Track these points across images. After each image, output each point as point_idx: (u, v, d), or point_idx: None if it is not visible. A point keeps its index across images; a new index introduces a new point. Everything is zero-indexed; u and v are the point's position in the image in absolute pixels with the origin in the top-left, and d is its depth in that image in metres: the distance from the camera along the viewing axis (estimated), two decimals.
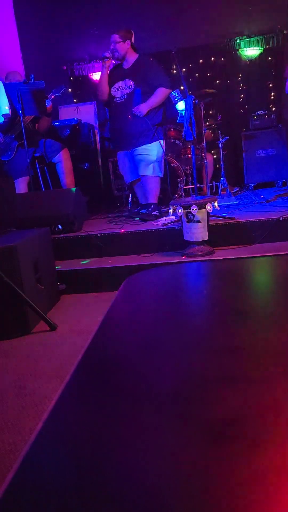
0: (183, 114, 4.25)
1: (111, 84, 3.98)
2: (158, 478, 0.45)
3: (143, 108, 3.86)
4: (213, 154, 5.45)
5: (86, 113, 5.94)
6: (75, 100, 6.13)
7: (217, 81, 5.92)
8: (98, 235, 3.48)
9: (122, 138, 3.97)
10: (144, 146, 3.95)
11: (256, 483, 0.43)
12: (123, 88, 3.94)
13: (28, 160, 3.96)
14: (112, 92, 3.95)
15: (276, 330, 0.77)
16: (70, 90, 6.04)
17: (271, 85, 5.90)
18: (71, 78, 5.99)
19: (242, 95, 6.00)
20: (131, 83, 3.93)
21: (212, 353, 0.69)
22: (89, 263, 3.34)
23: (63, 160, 4.36)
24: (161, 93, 4.01)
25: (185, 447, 0.48)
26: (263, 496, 0.41)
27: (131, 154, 3.99)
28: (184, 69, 5.57)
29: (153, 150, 3.99)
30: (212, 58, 5.90)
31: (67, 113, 5.90)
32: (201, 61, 5.90)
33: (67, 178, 4.40)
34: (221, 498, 0.42)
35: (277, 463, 0.45)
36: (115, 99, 3.92)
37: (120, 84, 3.94)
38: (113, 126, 4.00)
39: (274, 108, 5.84)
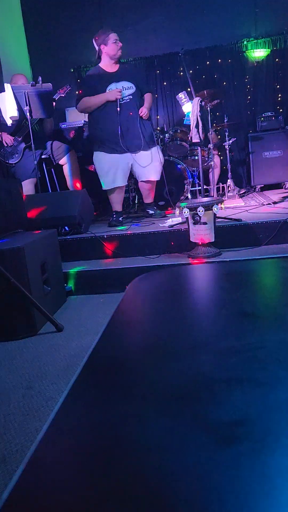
0: (190, 116, 4.26)
1: (101, 88, 3.81)
2: (163, 479, 0.45)
3: (147, 111, 3.85)
4: (220, 156, 5.43)
5: None
6: None
7: (224, 83, 5.92)
8: (105, 236, 3.49)
9: (129, 139, 3.81)
10: (153, 149, 3.93)
11: (262, 484, 0.43)
12: (126, 88, 3.83)
13: (35, 162, 3.97)
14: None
15: (283, 332, 0.77)
16: (77, 92, 6.06)
17: (278, 86, 5.89)
18: (79, 80, 6.02)
19: (249, 97, 5.98)
20: (129, 84, 3.85)
21: (219, 355, 0.69)
22: (96, 264, 3.35)
23: (70, 162, 4.38)
24: (151, 98, 3.99)
25: (191, 448, 0.49)
26: (269, 498, 0.41)
27: (128, 157, 3.87)
28: (191, 71, 5.56)
29: (159, 154, 4.00)
30: (219, 60, 5.89)
31: (74, 115, 5.92)
32: (208, 62, 5.90)
33: (74, 180, 4.42)
34: (227, 500, 0.42)
35: (283, 464, 0.45)
36: (118, 100, 3.75)
37: (116, 85, 3.80)
38: (115, 128, 3.74)
39: (281, 110, 5.82)
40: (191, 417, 0.54)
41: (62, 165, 4.41)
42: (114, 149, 3.81)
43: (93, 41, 3.89)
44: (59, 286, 2.99)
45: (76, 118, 5.77)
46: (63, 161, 4.38)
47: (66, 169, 4.42)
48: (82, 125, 5.40)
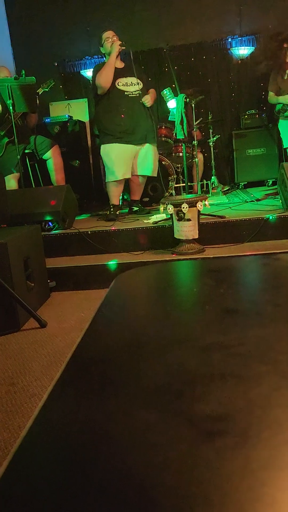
0: (174, 112, 4.27)
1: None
2: (148, 473, 0.46)
3: (150, 99, 3.91)
4: (204, 153, 5.46)
5: (77, 110, 5.92)
6: (66, 97, 6.10)
7: (209, 80, 5.94)
8: (89, 232, 3.47)
9: (136, 132, 3.88)
10: (154, 146, 4.02)
11: (244, 477, 0.44)
12: (134, 84, 3.92)
13: (19, 156, 3.93)
14: (118, 86, 3.88)
15: (264, 328, 0.78)
16: (61, 86, 6.01)
17: (262, 84, 5.94)
18: (63, 74, 5.96)
19: (233, 94, 6.03)
20: (137, 80, 3.94)
21: (202, 350, 0.70)
22: (80, 260, 3.34)
23: (54, 157, 4.34)
24: (155, 94, 4.07)
25: (175, 442, 0.49)
26: (251, 490, 0.42)
27: (133, 149, 3.91)
28: (175, 67, 5.57)
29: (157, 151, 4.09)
30: (204, 57, 5.91)
31: (58, 109, 5.87)
32: (192, 59, 5.91)
33: (58, 175, 4.38)
34: (209, 493, 0.42)
35: (264, 457, 0.46)
36: (125, 93, 3.86)
37: (125, 80, 3.90)
38: (123, 120, 3.82)
39: (264, 108, 5.87)
40: (175, 412, 0.55)
41: (46, 160, 4.37)
42: (122, 140, 3.88)
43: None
44: (43, 282, 2.97)
45: (60, 112, 5.72)
46: (47, 156, 4.34)
47: (50, 164, 4.38)
48: (66, 120, 5.36)
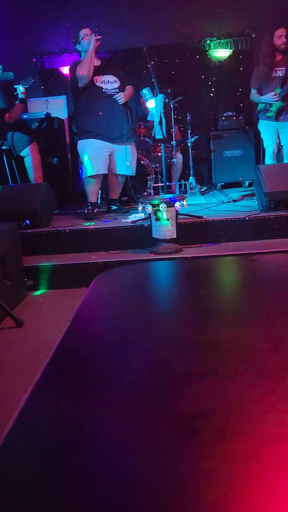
0: (153, 112, 4.28)
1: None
2: (129, 469, 0.47)
3: (124, 96, 3.90)
4: (182, 153, 5.50)
5: (55, 106, 5.86)
6: (44, 94, 6.04)
7: (188, 81, 5.98)
8: (67, 230, 3.45)
9: (113, 129, 3.87)
10: (132, 144, 4.01)
11: (221, 470, 0.46)
12: (112, 81, 3.91)
13: None
14: (97, 83, 3.87)
15: (241, 327, 0.81)
16: (39, 83, 5.93)
17: (240, 89, 6.02)
18: (41, 70, 5.89)
19: (211, 95, 6.09)
20: (115, 78, 3.93)
21: (181, 349, 0.72)
22: (57, 259, 3.32)
23: (32, 154, 4.29)
24: (132, 91, 4.07)
25: (155, 439, 0.51)
26: (229, 483, 0.44)
27: (110, 146, 3.91)
28: (155, 67, 5.58)
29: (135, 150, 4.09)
30: (183, 58, 5.95)
31: (36, 106, 5.80)
32: (172, 59, 5.94)
33: (36, 172, 4.34)
34: (188, 486, 0.44)
35: (240, 452, 0.48)
36: (103, 90, 3.85)
37: (103, 77, 3.89)
38: (101, 117, 3.82)
39: (242, 111, 5.96)
40: (155, 409, 0.56)
41: (24, 157, 4.32)
42: (99, 136, 3.86)
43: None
44: (19, 281, 2.94)
45: (38, 109, 5.65)
46: (25, 153, 4.29)
47: (28, 162, 4.32)
48: (44, 116, 5.30)
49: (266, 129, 4.38)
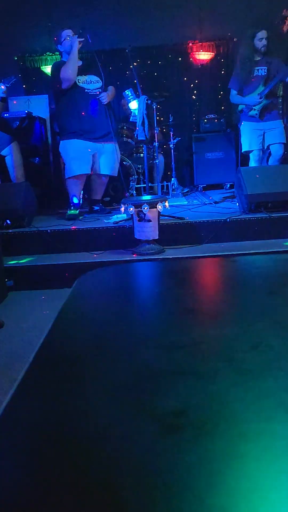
0: (136, 114, 4.30)
1: None
2: (112, 466, 0.48)
3: (107, 96, 3.90)
4: (164, 155, 5.53)
5: (37, 106, 5.81)
6: (25, 93, 5.98)
7: (170, 83, 6.02)
8: (48, 231, 3.43)
9: (97, 129, 3.87)
10: (116, 144, 4.01)
11: (201, 466, 0.47)
12: (94, 81, 3.91)
13: None
14: (79, 83, 3.86)
15: (222, 327, 0.82)
16: (21, 82, 5.88)
17: (221, 92, 6.08)
18: (23, 69, 5.84)
19: (193, 98, 6.14)
20: (97, 78, 3.93)
21: (163, 349, 0.73)
22: (39, 259, 3.29)
23: (13, 153, 4.25)
24: (114, 91, 4.08)
25: (137, 436, 0.52)
26: (208, 478, 0.45)
27: (94, 146, 3.90)
28: (137, 69, 5.60)
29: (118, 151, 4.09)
30: (166, 60, 5.98)
31: (18, 105, 5.74)
32: (154, 61, 5.96)
33: (17, 172, 4.29)
34: (169, 482, 0.45)
35: (220, 448, 0.50)
36: (86, 91, 3.85)
37: (85, 77, 3.89)
38: (84, 117, 3.81)
39: (224, 114, 6.01)
40: (137, 408, 0.57)
41: (4, 156, 4.27)
42: (82, 136, 3.85)
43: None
44: (0, 281, 2.91)
45: (19, 108, 5.60)
46: (5, 152, 4.24)
47: (9, 161, 4.28)
48: (25, 115, 5.25)
49: (250, 132, 4.27)
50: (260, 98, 4.14)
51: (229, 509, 0.42)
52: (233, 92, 4.32)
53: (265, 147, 4.31)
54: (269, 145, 4.26)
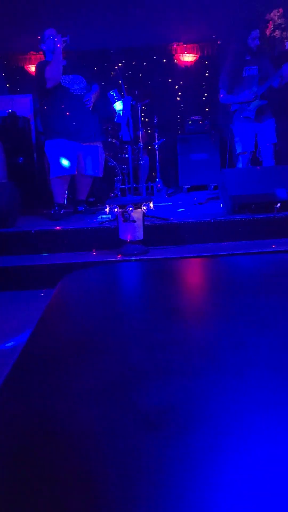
0: (121, 114, 4.31)
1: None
2: (96, 464, 0.48)
3: (92, 99, 3.90)
4: (149, 155, 5.55)
5: (21, 105, 5.77)
6: (9, 92, 5.93)
7: (155, 84, 6.05)
8: (33, 231, 3.41)
9: (81, 130, 3.87)
10: (100, 145, 4.01)
11: (184, 463, 0.48)
12: (78, 81, 3.91)
13: None
14: (63, 83, 3.85)
15: (205, 327, 0.84)
16: (4, 81, 5.83)
17: (206, 94, 6.13)
18: (6, 68, 5.79)
19: (178, 99, 6.18)
20: (82, 78, 3.93)
21: (147, 348, 0.74)
22: (23, 260, 3.27)
23: None
24: (98, 91, 4.08)
25: (121, 434, 0.52)
26: (190, 473, 0.47)
27: (78, 147, 3.89)
28: (120, 67, 5.61)
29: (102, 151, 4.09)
30: (150, 61, 6.01)
31: (1, 104, 5.69)
32: (139, 62, 5.99)
33: (0, 172, 4.26)
34: (153, 479, 0.46)
35: (203, 444, 0.51)
36: (70, 90, 3.85)
37: (70, 77, 3.88)
38: (68, 117, 3.80)
39: (209, 116, 6.07)
40: (121, 406, 0.58)
41: None
42: (67, 137, 3.84)
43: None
44: None
45: (2, 107, 5.55)
46: None
47: None
48: (6, 115, 5.21)
49: (244, 133, 4.24)
50: (254, 98, 4.10)
51: (210, 502, 0.43)
52: (223, 92, 4.27)
53: (257, 148, 4.30)
54: (261, 145, 4.26)
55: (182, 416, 0.55)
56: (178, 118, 6.15)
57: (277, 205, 3.54)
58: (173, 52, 6.01)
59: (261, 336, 0.77)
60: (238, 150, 4.34)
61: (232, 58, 4.22)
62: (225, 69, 4.30)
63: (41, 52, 5.36)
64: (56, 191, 3.98)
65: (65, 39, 3.77)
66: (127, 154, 4.44)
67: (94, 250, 3.26)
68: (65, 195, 4.26)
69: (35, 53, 5.79)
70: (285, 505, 0.41)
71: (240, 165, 4.32)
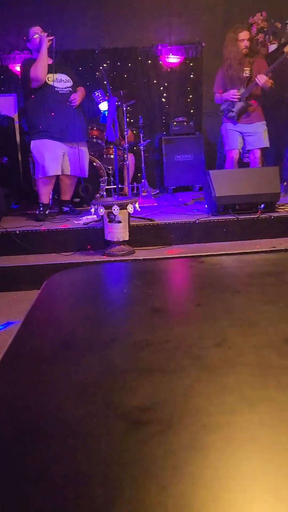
0: (106, 115, 4.30)
1: None
2: (80, 461, 0.49)
3: (79, 98, 3.89)
4: (134, 156, 5.55)
5: (5, 105, 5.71)
6: None
7: (140, 85, 6.05)
8: (17, 232, 3.39)
9: (66, 129, 3.85)
10: (85, 145, 4.00)
11: (167, 459, 0.49)
12: (64, 80, 3.88)
13: None
14: (49, 82, 3.82)
15: (188, 326, 0.85)
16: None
17: (191, 95, 6.17)
18: None
19: (163, 100, 6.20)
20: (68, 77, 3.91)
21: (131, 348, 0.75)
22: (7, 261, 3.24)
23: None
24: (84, 92, 4.07)
25: (105, 432, 0.53)
26: (173, 470, 0.48)
27: (63, 147, 3.87)
28: (107, 70, 5.60)
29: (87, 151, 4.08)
30: (135, 62, 6.01)
31: None
32: (124, 63, 5.98)
33: None
34: (136, 475, 0.47)
35: (185, 441, 0.52)
36: (56, 89, 3.82)
37: (55, 76, 3.85)
38: (54, 117, 3.78)
39: (193, 117, 6.09)
40: (105, 405, 0.59)
41: None
42: (52, 137, 3.81)
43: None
44: None
45: None
46: None
47: None
48: None
49: (229, 132, 4.27)
50: (240, 100, 4.11)
51: (192, 498, 0.44)
52: (217, 95, 4.29)
53: (246, 151, 4.31)
54: (249, 150, 4.26)
55: (165, 414, 0.56)
56: (163, 119, 6.17)
57: (260, 206, 3.59)
58: (158, 54, 6.03)
59: (242, 334, 0.78)
60: (226, 147, 4.36)
61: (230, 60, 4.15)
62: (221, 71, 4.25)
63: (26, 51, 5.33)
64: (41, 191, 3.96)
65: (50, 38, 3.75)
66: (113, 155, 4.44)
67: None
68: (50, 196, 4.23)
69: (19, 52, 5.73)
70: (269, 502, 0.42)
71: (227, 165, 4.33)
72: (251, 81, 4.08)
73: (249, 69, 4.12)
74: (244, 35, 4.06)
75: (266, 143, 4.22)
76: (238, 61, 4.09)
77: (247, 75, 4.14)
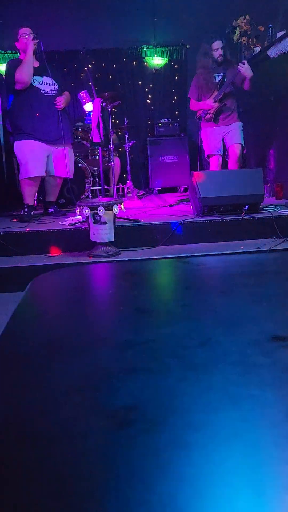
0: (91, 115, 4.30)
1: None
2: (67, 461, 0.49)
3: (63, 101, 3.88)
4: (119, 157, 5.56)
5: None
6: None
7: (125, 86, 6.06)
8: (1, 233, 3.36)
9: (50, 131, 3.84)
10: (70, 146, 3.99)
11: (152, 457, 0.50)
12: (50, 83, 3.88)
13: None
14: (35, 84, 3.81)
15: (173, 326, 0.86)
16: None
17: (175, 97, 6.20)
18: None
19: (148, 102, 6.22)
20: (53, 81, 3.90)
21: (117, 348, 0.75)
22: None
23: None
24: (69, 96, 4.07)
25: (92, 432, 0.53)
26: (158, 468, 0.48)
27: (47, 148, 3.85)
28: (92, 71, 5.59)
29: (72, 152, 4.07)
30: (120, 63, 6.02)
31: None
32: (109, 64, 5.99)
33: None
34: (122, 474, 0.47)
35: (170, 439, 0.53)
36: (41, 91, 3.82)
37: (41, 78, 3.85)
38: (38, 118, 3.76)
39: (178, 118, 6.12)
40: (91, 405, 0.59)
41: None
42: (37, 138, 3.80)
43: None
44: None
45: None
46: None
47: None
48: None
49: (209, 137, 4.35)
50: (215, 102, 4.21)
51: (176, 495, 0.45)
52: (193, 101, 4.41)
53: (226, 151, 4.40)
54: (228, 147, 4.35)
55: (150, 413, 0.57)
56: (148, 120, 6.19)
57: (245, 207, 3.62)
58: (143, 55, 6.04)
59: (226, 333, 0.79)
60: (207, 153, 4.44)
61: (201, 70, 4.28)
62: (194, 79, 4.39)
63: (10, 51, 5.30)
64: (25, 192, 3.93)
65: (36, 42, 3.74)
66: (98, 156, 4.44)
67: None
68: (35, 197, 4.20)
69: (2, 51, 5.69)
70: (251, 497, 0.43)
71: (212, 168, 4.40)
72: (223, 83, 4.19)
73: (221, 73, 4.24)
74: (217, 44, 4.17)
75: (242, 141, 4.32)
76: (211, 71, 4.22)
77: (220, 78, 4.24)
